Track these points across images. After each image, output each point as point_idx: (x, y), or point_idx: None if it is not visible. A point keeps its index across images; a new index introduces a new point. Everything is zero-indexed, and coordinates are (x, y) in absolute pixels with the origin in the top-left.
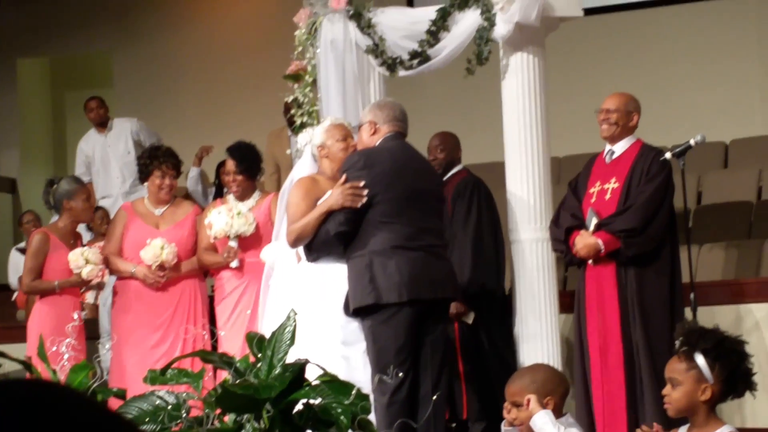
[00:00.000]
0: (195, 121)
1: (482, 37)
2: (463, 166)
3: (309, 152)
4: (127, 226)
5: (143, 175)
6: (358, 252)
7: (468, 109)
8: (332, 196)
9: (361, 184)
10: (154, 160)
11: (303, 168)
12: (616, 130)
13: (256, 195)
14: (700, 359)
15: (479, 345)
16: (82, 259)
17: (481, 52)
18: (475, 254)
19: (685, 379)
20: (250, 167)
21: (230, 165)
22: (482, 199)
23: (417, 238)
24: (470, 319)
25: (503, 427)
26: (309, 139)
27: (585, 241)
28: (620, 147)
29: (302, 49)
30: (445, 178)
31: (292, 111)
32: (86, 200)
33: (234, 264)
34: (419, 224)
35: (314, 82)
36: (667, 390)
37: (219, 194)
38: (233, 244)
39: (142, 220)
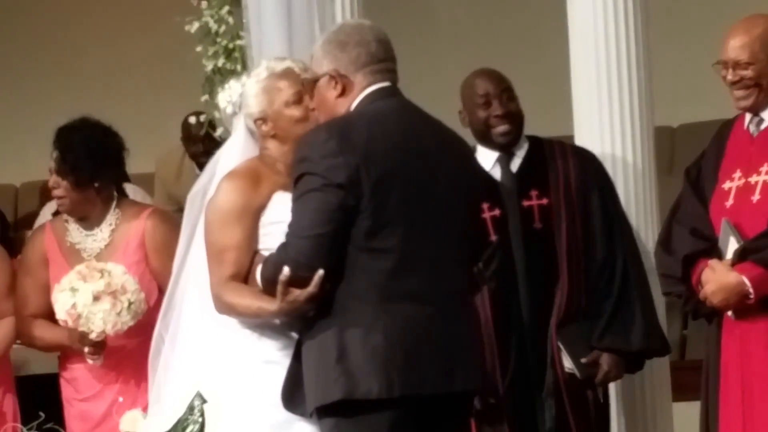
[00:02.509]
0: (35, 77)
1: None
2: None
3: (242, 125)
4: None
5: None
6: (322, 307)
7: (509, 44)
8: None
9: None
10: None
11: (233, 152)
12: (759, 94)
13: (113, 215)
14: None
15: None
16: None
17: None
18: (642, 291)
19: None
20: (84, 165)
21: (54, 161)
22: (614, 190)
23: (426, 280)
24: None
25: None
26: (233, 102)
27: (720, 278)
28: None
29: None
30: (521, 152)
31: (198, 49)
32: None
33: (96, 361)
34: (431, 253)
35: None
36: None
37: None
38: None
39: None
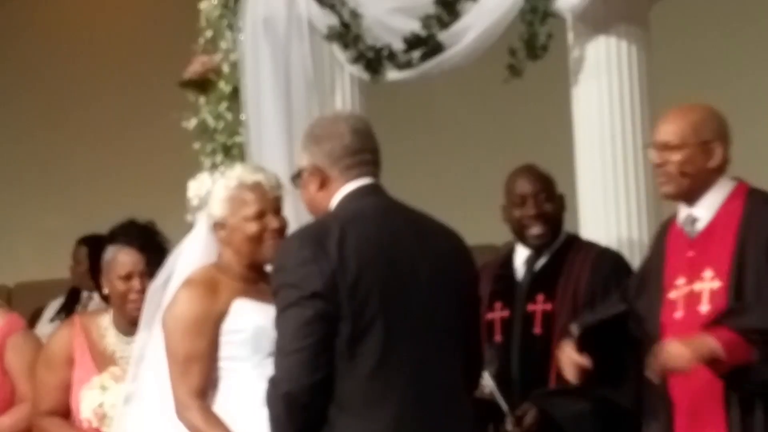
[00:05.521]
0: (28, 176)
1: (535, 9)
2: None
3: (203, 225)
4: None
5: None
6: (317, 425)
7: (511, 139)
8: None
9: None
10: None
11: (195, 247)
12: (684, 182)
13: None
14: None
15: None
16: None
17: (535, 35)
18: None
19: None
20: (160, 262)
21: (130, 261)
22: None
23: (411, 381)
24: None
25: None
26: (200, 196)
27: (681, 346)
28: (706, 207)
29: (213, 34)
30: (554, 248)
31: (196, 146)
32: None
33: None
34: (415, 354)
35: (235, 93)
36: None
37: (69, 308)
38: None
39: None
